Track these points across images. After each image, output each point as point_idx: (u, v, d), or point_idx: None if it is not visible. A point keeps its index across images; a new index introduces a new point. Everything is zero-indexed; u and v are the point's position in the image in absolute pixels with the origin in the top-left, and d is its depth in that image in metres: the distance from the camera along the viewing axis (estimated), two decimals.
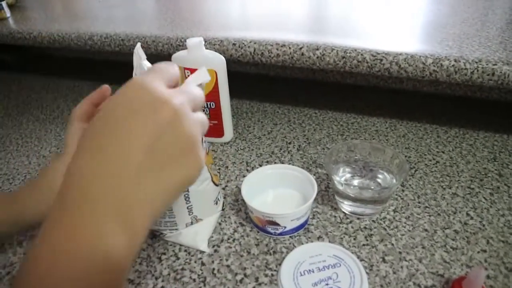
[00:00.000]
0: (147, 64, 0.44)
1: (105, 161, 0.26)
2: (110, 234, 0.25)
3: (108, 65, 1.12)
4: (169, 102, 0.27)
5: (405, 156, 0.64)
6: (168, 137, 0.27)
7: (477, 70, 0.57)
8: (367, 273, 0.43)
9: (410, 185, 0.57)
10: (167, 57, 0.65)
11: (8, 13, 1.02)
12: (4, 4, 1.01)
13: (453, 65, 0.58)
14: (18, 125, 0.84)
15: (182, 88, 0.32)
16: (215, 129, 0.67)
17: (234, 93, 0.68)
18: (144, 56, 0.44)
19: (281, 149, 0.67)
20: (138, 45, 0.46)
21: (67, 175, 0.26)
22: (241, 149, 0.68)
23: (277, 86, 0.92)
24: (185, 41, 0.60)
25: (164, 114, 0.27)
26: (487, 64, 0.57)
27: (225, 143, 0.70)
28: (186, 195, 0.46)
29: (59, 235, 0.24)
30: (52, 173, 0.44)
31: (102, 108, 0.28)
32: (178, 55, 0.63)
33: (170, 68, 0.32)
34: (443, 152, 0.64)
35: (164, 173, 0.27)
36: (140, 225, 0.26)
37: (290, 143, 0.69)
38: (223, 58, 0.62)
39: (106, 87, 0.49)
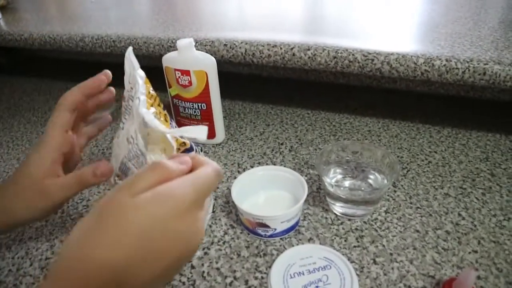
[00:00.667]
0: (140, 73, 0.43)
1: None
2: None
3: (100, 67, 1.11)
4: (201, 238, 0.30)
5: (398, 156, 0.63)
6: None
7: (469, 70, 0.57)
8: (357, 275, 0.43)
9: (402, 185, 0.57)
10: (158, 58, 0.65)
11: None
12: None
13: (444, 65, 0.58)
14: (9, 128, 0.83)
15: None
16: None
17: (226, 94, 0.68)
18: (137, 65, 0.43)
19: (273, 150, 0.67)
20: (130, 49, 0.45)
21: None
22: (232, 150, 0.68)
23: (270, 87, 0.92)
24: (176, 42, 0.59)
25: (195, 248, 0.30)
26: (478, 64, 0.57)
27: (216, 144, 0.69)
28: None
29: None
30: (25, 169, 0.42)
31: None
32: (168, 56, 0.62)
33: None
34: (435, 152, 0.64)
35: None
36: None
37: (282, 144, 0.69)
38: (214, 59, 0.61)
39: (103, 77, 0.47)
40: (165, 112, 0.46)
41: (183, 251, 0.28)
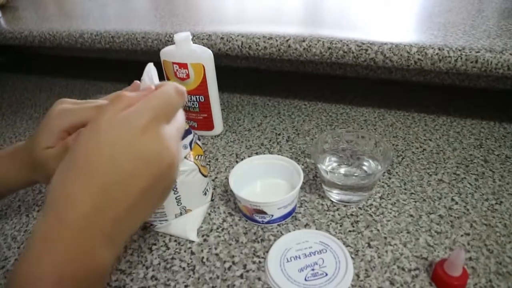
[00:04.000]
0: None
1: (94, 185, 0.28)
2: (99, 254, 0.28)
3: (100, 63, 1.13)
4: (174, 160, 0.30)
5: (393, 145, 0.64)
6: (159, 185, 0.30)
7: (461, 58, 0.58)
8: (352, 258, 0.44)
9: (396, 172, 0.58)
10: (157, 53, 0.66)
11: None
12: None
13: (437, 53, 0.59)
14: (12, 124, 0.85)
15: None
16: (204, 123, 0.68)
17: (224, 87, 0.69)
18: (157, 81, 0.38)
19: (270, 140, 0.68)
20: (151, 65, 0.39)
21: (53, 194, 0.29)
22: (231, 141, 0.69)
23: (267, 79, 0.93)
24: (174, 36, 0.60)
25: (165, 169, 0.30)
26: (470, 52, 0.57)
27: (215, 136, 0.71)
28: (173, 186, 0.47)
29: (49, 249, 0.27)
30: (24, 143, 0.46)
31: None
32: (166, 50, 0.64)
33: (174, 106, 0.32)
34: (430, 140, 0.65)
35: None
36: (122, 240, 0.30)
37: (279, 134, 0.70)
38: (211, 52, 0.62)
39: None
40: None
41: (154, 171, 0.29)
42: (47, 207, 0.28)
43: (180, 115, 0.33)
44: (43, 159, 0.42)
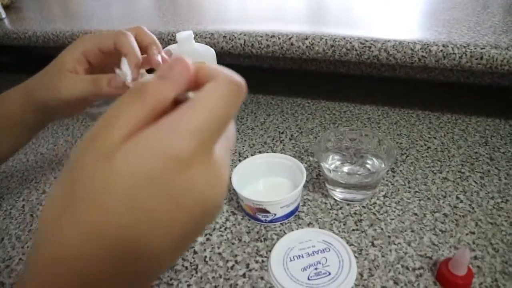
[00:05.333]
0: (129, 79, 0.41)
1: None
2: None
3: None
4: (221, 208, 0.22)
5: (397, 143, 0.64)
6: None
7: (465, 55, 0.57)
8: (356, 257, 0.44)
9: (400, 170, 0.58)
10: None
11: (3, 14, 1.03)
12: None
13: (441, 50, 0.58)
14: None
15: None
16: None
17: None
18: (129, 74, 0.40)
19: (273, 139, 0.68)
20: (124, 60, 0.41)
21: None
22: None
23: (270, 78, 0.93)
24: (176, 35, 0.60)
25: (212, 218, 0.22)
26: (475, 48, 0.57)
27: None
28: None
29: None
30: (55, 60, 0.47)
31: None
32: (168, 49, 0.63)
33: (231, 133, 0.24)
34: (434, 138, 0.65)
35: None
36: None
37: (282, 133, 0.70)
38: (213, 50, 0.62)
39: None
40: None
41: (197, 215, 0.20)
42: (37, 252, 0.20)
43: (232, 127, 0.24)
44: (63, 85, 0.44)
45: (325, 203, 0.53)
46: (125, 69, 0.39)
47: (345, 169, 0.54)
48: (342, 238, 0.46)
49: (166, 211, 0.19)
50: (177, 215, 0.20)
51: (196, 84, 0.22)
